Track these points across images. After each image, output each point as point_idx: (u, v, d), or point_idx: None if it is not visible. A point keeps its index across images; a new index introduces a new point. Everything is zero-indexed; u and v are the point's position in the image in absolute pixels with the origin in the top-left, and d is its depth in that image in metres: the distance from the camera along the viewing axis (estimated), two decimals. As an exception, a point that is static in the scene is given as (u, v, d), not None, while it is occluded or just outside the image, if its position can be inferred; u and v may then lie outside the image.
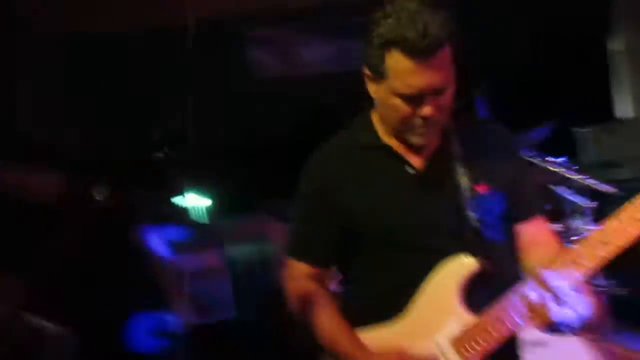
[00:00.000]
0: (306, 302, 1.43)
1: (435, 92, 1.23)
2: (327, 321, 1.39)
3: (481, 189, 1.33)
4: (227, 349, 3.57)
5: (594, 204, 3.07)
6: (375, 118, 1.42)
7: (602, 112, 4.70)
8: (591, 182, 3.09)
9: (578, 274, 1.15)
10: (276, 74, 4.80)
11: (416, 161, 1.37)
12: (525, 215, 1.41)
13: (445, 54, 1.21)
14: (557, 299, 1.14)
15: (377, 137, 1.40)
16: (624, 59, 4.80)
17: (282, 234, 4.41)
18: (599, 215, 3.07)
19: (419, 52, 1.18)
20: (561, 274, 1.15)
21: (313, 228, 1.45)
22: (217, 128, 4.41)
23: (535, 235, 1.40)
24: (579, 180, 3.04)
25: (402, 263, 1.34)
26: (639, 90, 4.73)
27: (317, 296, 1.43)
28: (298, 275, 1.47)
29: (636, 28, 4.78)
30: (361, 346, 1.33)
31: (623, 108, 4.80)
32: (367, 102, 1.43)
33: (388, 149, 1.38)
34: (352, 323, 1.38)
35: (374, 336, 1.34)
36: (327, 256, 1.46)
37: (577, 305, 1.14)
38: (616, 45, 4.83)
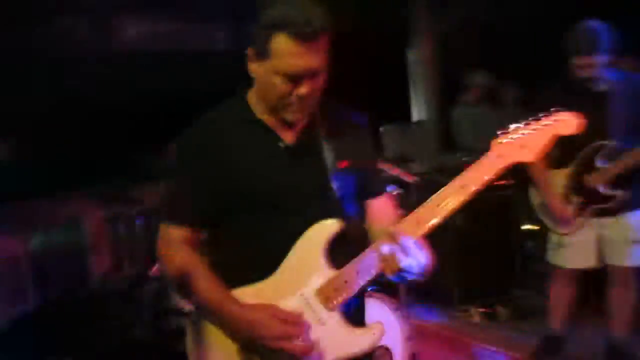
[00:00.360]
0: (183, 267, 1.48)
1: (312, 73, 1.39)
2: (204, 284, 1.47)
3: (342, 165, 1.53)
4: (35, 339, 3.31)
5: (399, 191, 3.54)
6: (250, 96, 1.54)
7: (403, 113, 5.41)
8: (396, 171, 3.59)
9: (419, 232, 1.41)
10: (93, 47, 4.53)
11: (287, 136, 1.52)
12: (376, 190, 1.65)
13: (324, 41, 1.38)
14: (404, 251, 1.38)
15: (253, 113, 1.52)
16: (418, 69, 5.59)
17: (97, 216, 4.18)
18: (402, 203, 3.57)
19: (304, 36, 1.33)
20: (406, 231, 1.40)
21: (190, 194, 1.51)
22: (26, 99, 4.02)
23: (382, 207, 1.65)
24: (387, 170, 3.50)
25: (271, 227, 1.48)
26: (430, 96, 5.56)
27: (194, 261, 1.50)
28: (174, 240, 1.52)
29: (426, 42, 5.58)
30: (239, 303, 1.44)
31: (419, 111, 5.58)
32: (243, 81, 1.55)
33: (263, 124, 1.51)
34: (224, 284, 1.48)
35: (245, 294, 1.46)
36: (204, 220, 1.53)
37: (418, 255, 1.40)
38: (412, 56, 5.60)
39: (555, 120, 1.39)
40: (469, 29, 5.43)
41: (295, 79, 1.38)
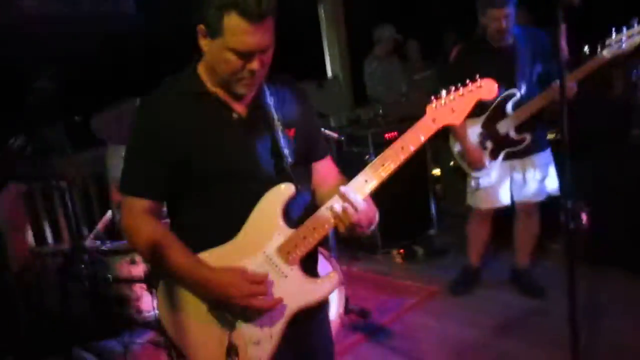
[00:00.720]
0: (151, 236, 1.54)
1: (263, 50, 1.48)
2: (174, 250, 1.54)
3: (291, 133, 1.64)
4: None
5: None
6: (201, 70, 1.59)
7: (319, 69, 5.51)
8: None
9: (367, 190, 1.57)
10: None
11: (238, 108, 1.60)
12: (320, 154, 1.77)
13: (272, 19, 1.46)
14: (354, 208, 1.53)
15: (205, 87, 1.58)
16: (330, 24, 5.66)
17: (12, 193, 3.98)
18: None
19: (255, 16, 1.40)
20: (356, 190, 1.55)
21: (150, 166, 1.56)
22: None
23: (326, 170, 1.78)
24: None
25: (230, 193, 1.57)
26: (342, 51, 5.67)
27: (160, 229, 1.57)
28: (137, 211, 1.57)
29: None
30: (209, 267, 1.53)
31: (332, 66, 5.70)
32: (194, 55, 1.59)
33: (215, 97, 1.57)
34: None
35: (210, 256, 1.55)
36: (164, 191, 1.59)
37: (367, 211, 1.56)
38: (322, 10, 5.66)
39: (478, 87, 1.59)
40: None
41: (246, 55, 1.46)
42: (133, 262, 3.00)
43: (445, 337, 3.20)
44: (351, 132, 4.62)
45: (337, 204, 1.55)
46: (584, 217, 2.16)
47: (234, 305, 1.53)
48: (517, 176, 3.35)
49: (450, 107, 1.57)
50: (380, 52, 5.33)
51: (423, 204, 4.66)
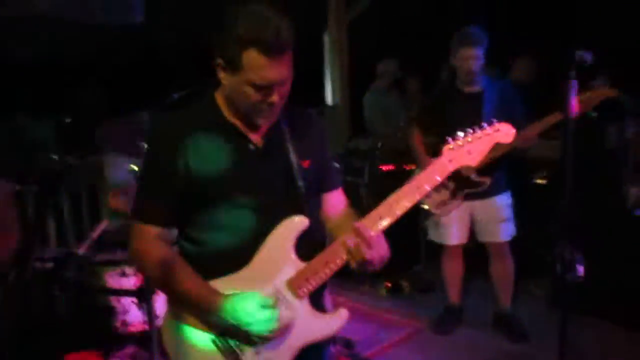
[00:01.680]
0: (161, 261, 1.53)
1: (282, 83, 1.49)
2: (185, 275, 1.53)
3: (305, 164, 1.64)
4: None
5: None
6: (219, 99, 1.60)
7: (318, 97, 5.57)
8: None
9: (380, 227, 1.57)
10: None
11: (255, 138, 1.60)
12: (332, 185, 1.78)
13: (290, 51, 1.47)
14: (367, 244, 1.54)
15: (223, 116, 1.58)
16: (333, 53, 5.74)
17: (4, 196, 3.91)
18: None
19: (273, 51, 1.41)
20: (369, 226, 1.56)
21: (161, 193, 1.55)
22: None
23: (336, 201, 1.79)
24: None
25: (243, 223, 1.57)
26: (343, 81, 5.74)
27: (171, 255, 1.56)
28: (147, 237, 1.55)
29: (340, 28, 5.75)
30: (220, 293, 1.51)
31: (332, 95, 5.76)
32: (211, 83, 1.60)
33: (233, 127, 1.58)
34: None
35: (219, 285, 1.54)
36: (174, 219, 1.59)
37: (379, 248, 1.57)
38: (327, 39, 5.74)
39: (496, 130, 1.63)
40: (376, 18, 5.67)
41: (266, 89, 1.47)
42: (124, 274, 2.96)
43: (429, 375, 3.20)
44: (348, 162, 4.65)
45: (350, 240, 1.55)
46: (580, 269, 2.19)
47: (242, 333, 1.51)
48: (479, 217, 3.47)
49: (467, 149, 1.60)
50: (381, 85, 5.41)
51: (412, 238, 4.67)
